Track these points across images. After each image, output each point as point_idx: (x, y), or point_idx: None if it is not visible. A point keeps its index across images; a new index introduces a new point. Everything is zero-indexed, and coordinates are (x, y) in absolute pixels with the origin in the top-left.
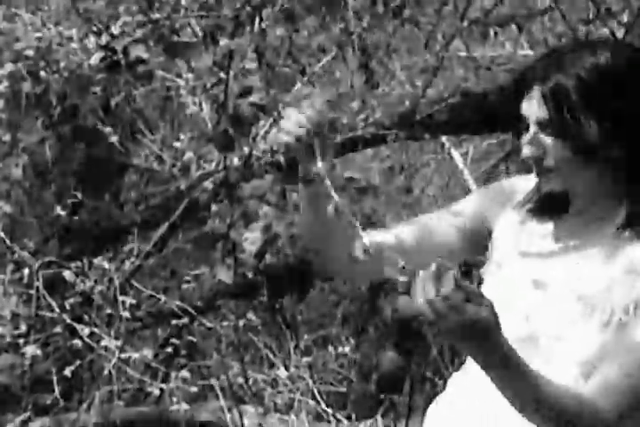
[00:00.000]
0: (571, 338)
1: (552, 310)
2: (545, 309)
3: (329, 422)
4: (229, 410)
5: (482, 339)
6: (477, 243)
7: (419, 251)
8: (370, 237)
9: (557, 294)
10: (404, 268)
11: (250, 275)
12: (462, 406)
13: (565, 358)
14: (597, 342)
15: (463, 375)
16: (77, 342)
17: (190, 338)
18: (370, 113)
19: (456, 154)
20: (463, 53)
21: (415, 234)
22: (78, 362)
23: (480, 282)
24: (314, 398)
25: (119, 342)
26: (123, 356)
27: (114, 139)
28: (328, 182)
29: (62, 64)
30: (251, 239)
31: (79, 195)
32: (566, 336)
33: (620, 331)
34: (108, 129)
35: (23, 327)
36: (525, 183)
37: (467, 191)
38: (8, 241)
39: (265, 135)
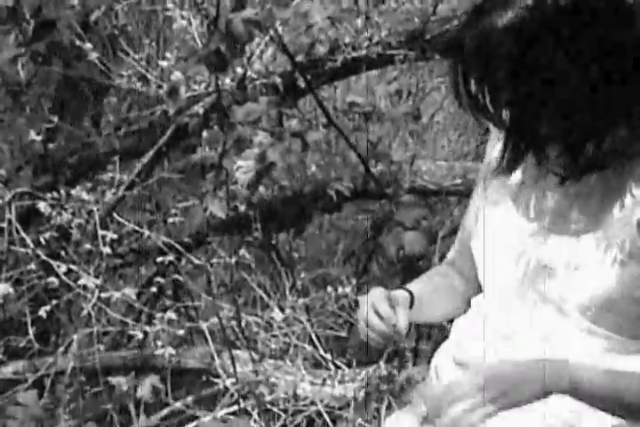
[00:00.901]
0: (588, 268)
1: (567, 240)
2: (559, 238)
3: (327, 368)
4: (219, 355)
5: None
6: None
7: None
8: None
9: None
10: None
11: (243, 208)
12: (467, 353)
13: (583, 290)
14: (614, 275)
15: (465, 320)
16: (53, 280)
17: (177, 277)
18: (375, 31)
19: None
20: None
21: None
22: (54, 302)
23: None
24: (311, 342)
25: (99, 281)
26: (103, 295)
27: (93, 57)
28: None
29: None
30: (244, 168)
31: (55, 119)
32: (583, 266)
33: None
34: (87, 46)
35: None
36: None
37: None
38: None
39: (260, 54)
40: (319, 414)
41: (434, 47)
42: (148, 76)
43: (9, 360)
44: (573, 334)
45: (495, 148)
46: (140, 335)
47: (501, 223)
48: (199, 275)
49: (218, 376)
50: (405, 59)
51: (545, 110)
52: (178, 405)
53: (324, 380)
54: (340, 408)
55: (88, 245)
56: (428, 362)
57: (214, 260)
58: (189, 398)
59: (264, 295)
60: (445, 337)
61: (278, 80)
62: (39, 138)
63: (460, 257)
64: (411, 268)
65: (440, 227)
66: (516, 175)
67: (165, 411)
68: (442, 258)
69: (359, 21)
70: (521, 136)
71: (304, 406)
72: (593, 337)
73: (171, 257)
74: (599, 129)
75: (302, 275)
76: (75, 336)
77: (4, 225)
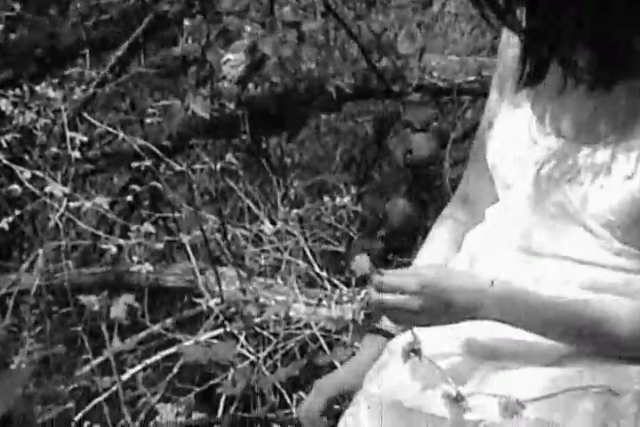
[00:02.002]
0: (613, 179)
1: (591, 151)
2: (582, 149)
3: (323, 287)
4: (202, 272)
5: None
6: None
7: None
8: None
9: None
10: None
11: (229, 107)
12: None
13: (608, 201)
14: (625, 190)
15: (478, 232)
16: (16, 187)
17: (155, 184)
18: None
19: None
20: None
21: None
22: (17, 212)
23: None
24: (305, 258)
25: (67, 189)
26: (72, 205)
27: None
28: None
29: None
30: (231, 62)
31: (16, 6)
32: (607, 177)
33: None
34: None
35: None
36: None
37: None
38: None
39: None
40: (314, 338)
41: None
42: None
43: None
44: (602, 255)
45: (507, 55)
46: (114, 250)
47: (517, 133)
48: (180, 182)
49: (201, 296)
50: None
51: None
52: (156, 328)
53: (320, 300)
54: (337, 332)
55: (55, 149)
56: None
57: (197, 165)
58: (169, 320)
59: (252, 206)
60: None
61: None
62: None
63: (476, 186)
64: (419, 174)
65: (452, 128)
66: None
67: (142, 334)
68: (453, 164)
69: None
70: (541, 39)
71: (297, 329)
72: (621, 259)
73: (148, 162)
74: (632, 23)
75: (295, 183)
76: (40, 251)
77: None
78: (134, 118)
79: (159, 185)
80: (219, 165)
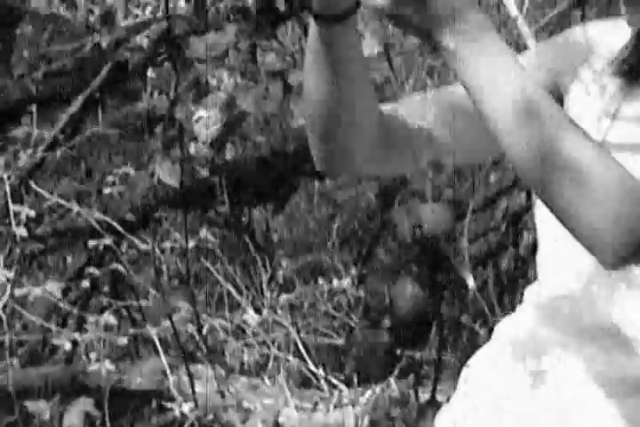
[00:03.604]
0: None
1: None
2: None
3: (319, 388)
4: (173, 372)
5: None
6: None
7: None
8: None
9: None
10: None
11: (203, 174)
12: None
13: None
14: None
15: (517, 321)
16: None
17: (116, 266)
18: None
19: None
20: None
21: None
22: None
23: None
24: (297, 353)
25: (11, 273)
26: (17, 293)
27: None
28: None
29: None
30: (205, 120)
31: None
32: None
33: None
34: None
35: None
36: (613, 31)
37: (522, 49)
38: None
39: None
40: None
41: None
42: None
43: None
44: None
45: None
46: (68, 346)
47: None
48: (146, 264)
49: (172, 400)
50: None
51: None
52: None
53: (316, 404)
54: None
55: None
56: (455, 378)
57: (166, 244)
58: None
59: (233, 291)
60: (477, 346)
61: (250, 1)
62: None
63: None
64: (430, 252)
65: (470, 196)
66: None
67: None
68: (473, 240)
69: None
70: None
71: None
72: None
73: (107, 240)
74: None
75: (284, 263)
76: None
77: None
78: (91, 188)
79: (121, 267)
80: (192, 243)
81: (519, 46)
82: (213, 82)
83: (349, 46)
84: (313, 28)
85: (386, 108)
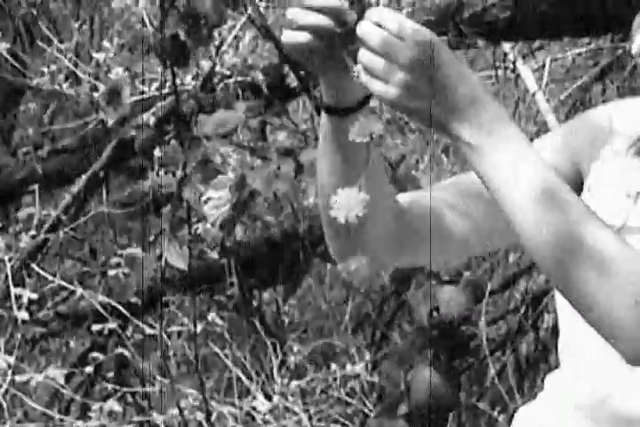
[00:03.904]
0: None
1: None
2: None
3: None
4: None
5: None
6: None
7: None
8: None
9: None
10: None
11: (212, 256)
12: None
13: None
14: None
15: (538, 408)
16: None
17: (121, 351)
18: (393, 6)
19: (525, 70)
20: None
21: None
22: None
23: None
24: None
25: (12, 359)
26: (18, 379)
27: (2, 47)
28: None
29: None
30: (214, 200)
31: None
32: None
33: None
34: None
35: None
36: (634, 111)
37: (541, 126)
38: None
39: (235, 42)
40: None
41: (475, 28)
42: (78, 73)
43: None
44: None
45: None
46: None
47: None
48: (152, 349)
49: None
50: None
51: None
52: None
53: None
54: None
55: None
56: None
57: (173, 328)
58: None
59: (242, 376)
60: None
61: (260, 78)
62: None
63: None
64: (448, 336)
65: (489, 277)
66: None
67: None
68: (491, 322)
69: None
70: None
71: None
72: None
73: (112, 324)
74: None
75: (296, 348)
76: None
77: None
78: (95, 270)
79: (126, 352)
80: (200, 327)
81: (537, 122)
82: (222, 160)
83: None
84: (324, 118)
85: (403, 198)
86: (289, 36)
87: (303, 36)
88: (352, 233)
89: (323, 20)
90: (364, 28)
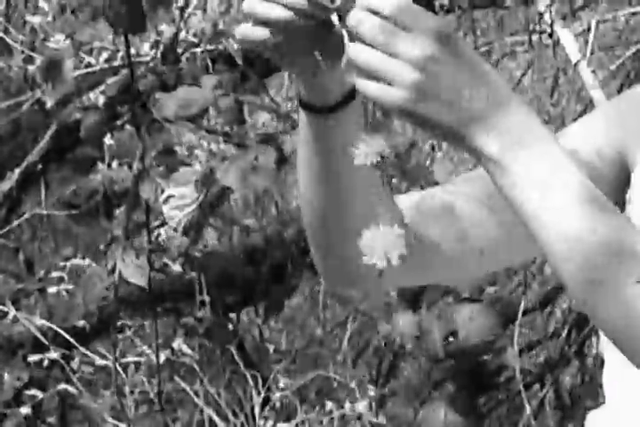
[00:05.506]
0: None
1: None
2: None
3: None
4: None
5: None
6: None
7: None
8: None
9: None
10: None
11: (176, 268)
12: None
13: None
14: None
15: None
16: None
17: (65, 387)
18: None
19: (566, 34)
20: None
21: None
22: None
23: None
24: None
25: None
26: None
27: None
28: None
29: None
30: (177, 198)
31: None
32: None
33: None
34: None
35: None
36: None
37: (586, 105)
38: None
39: (203, 2)
40: None
41: None
42: (9, 40)
43: None
44: None
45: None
46: None
47: None
48: (103, 385)
49: None
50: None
51: None
52: None
53: None
54: None
55: None
56: None
57: (129, 358)
58: None
59: (216, 418)
60: None
61: (235, 46)
62: None
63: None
64: (468, 366)
65: (522, 294)
66: None
67: None
68: (525, 349)
69: None
70: None
71: None
72: None
73: (54, 354)
74: None
75: (282, 382)
76: None
77: None
78: (31, 287)
79: (72, 389)
80: (163, 357)
81: (582, 99)
82: (188, 149)
83: (346, 139)
84: (303, 115)
85: (406, 202)
86: (244, 33)
87: (261, 31)
88: (339, 254)
89: (282, 13)
90: (356, 17)
